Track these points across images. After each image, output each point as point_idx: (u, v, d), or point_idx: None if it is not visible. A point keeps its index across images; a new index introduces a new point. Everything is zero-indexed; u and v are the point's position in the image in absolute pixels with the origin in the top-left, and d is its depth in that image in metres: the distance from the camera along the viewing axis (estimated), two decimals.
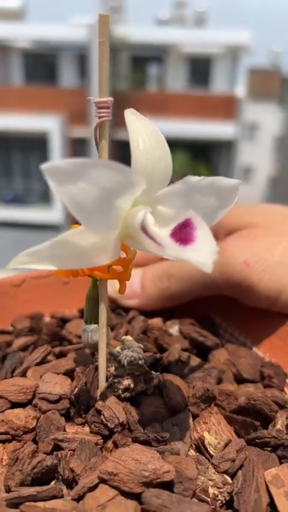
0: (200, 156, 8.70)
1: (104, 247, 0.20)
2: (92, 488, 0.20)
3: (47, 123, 8.12)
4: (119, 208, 0.19)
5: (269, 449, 0.24)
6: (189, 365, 0.30)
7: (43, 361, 0.30)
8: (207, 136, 8.55)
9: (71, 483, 0.22)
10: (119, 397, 0.25)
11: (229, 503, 0.21)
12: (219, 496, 0.21)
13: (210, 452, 0.24)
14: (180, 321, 0.35)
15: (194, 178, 0.21)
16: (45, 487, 0.20)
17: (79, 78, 9.07)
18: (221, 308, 0.36)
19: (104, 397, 0.25)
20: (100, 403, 0.25)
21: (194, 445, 0.24)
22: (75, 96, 8.23)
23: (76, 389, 0.26)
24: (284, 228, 0.34)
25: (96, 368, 0.26)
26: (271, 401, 0.26)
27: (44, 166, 0.17)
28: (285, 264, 0.31)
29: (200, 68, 9.15)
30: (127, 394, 0.26)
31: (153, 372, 0.27)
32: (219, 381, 0.30)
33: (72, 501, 0.20)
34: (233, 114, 8.54)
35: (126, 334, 0.33)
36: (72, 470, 0.22)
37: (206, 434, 0.24)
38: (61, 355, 0.31)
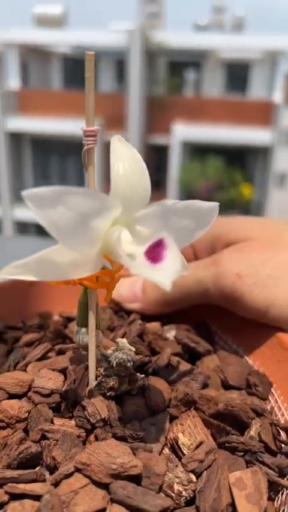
0: (235, 162, 8.62)
1: (83, 262, 0.23)
2: (67, 476, 0.23)
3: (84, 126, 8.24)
4: (95, 229, 0.21)
5: (240, 454, 0.26)
6: (177, 369, 0.32)
7: (43, 357, 0.32)
8: (243, 142, 8.48)
9: (52, 469, 0.24)
10: (104, 395, 0.28)
11: (192, 501, 0.23)
12: (184, 492, 0.23)
13: (184, 451, 0.26)
14: (177, 326, 0.37)
15: (169, 202, 0.23)
16: (26, 471, 0.23)
17: (116, 83, 9.17)
18: (217, 316, 0.37)
19: (91, 394, 0.27)
20: (86, 399, 0.27)
21: (169, 444, 0.26)
22: (113, 101, 8.31)
23: (66, 385, 0.28)
24: (279, 242, 0.35)
25: (87, 367, 0.28)
26: (249, 409, 0.28)
27: (25, 193, 0.19)
28: (276, 278, 0.33)
29: (237, 74, 9.10)
30: (112, 393, 0.28)
31: (138, 374, 0.29)
32: (205, 386, 0.31)
33: (49, 485, 0.23)
34: (270, 120, 8.44)
35: (123, 336, 0.35)
36: (54, 458, 0.24)
37: (180, 435, 0.26)
38: (60, 352, 0.33)
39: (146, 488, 0.23)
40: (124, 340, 0.31)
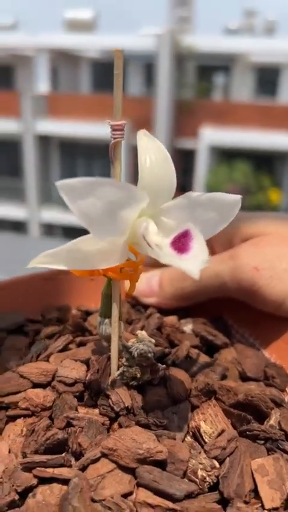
0: (263, 167, 8.54)
1: (111, 251, 0.23)
2: (94, 461, 0.23)
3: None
4: (123, 219, 0.22)
5: (261, 442, 0.26)
6: (196, 361, 0.33)
7: (65, 349, 0.33)
8: (272, 146, 8.39)
9: (78, 455, 0.25)
10: (127, 384, 0.28)
11: (216, 486, 0.24)
12: (207, 478, 0.24)
13: (205, 439, 0.26)
14: (194, 320, 0.38)
15: (194, 194, 0.23)
16: (54, 456, 0.24)
17: (145, 87, 9.21)
18: (234, 310, 0.38)
19: (113, 383, 0.28)
20: (109, 388, 0.28)
21: (191, 433, 0.27)
22: (141, 104, 8.34)
23: (89, 375, 0.29)
24: None
25: (109, 357, 0.29)
26: (268, 399, 0.29)
27: (58, 184, 0.20)
28: None
29: (267, 78, 9.02)
30: (134, 383, 0.29)
31: (159, 364, 0.30)
32: (223, 378, 0.32)
33: (76, 470, 0.23)
34: None
35: (141, 329, 0.35)
36: (79, 445, 0.25)
37: (202, 424, 0.27)
38: (81, 344, 0.34)
39: (170, 473, 0.23)
40: (144, 333, 0.31)
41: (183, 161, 8.99)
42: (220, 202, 0.24)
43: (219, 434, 0.26)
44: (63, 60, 9.38)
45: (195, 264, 0.20)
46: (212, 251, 0.38)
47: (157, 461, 0.23)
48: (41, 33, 8.88)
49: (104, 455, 0.24)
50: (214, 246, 0.39)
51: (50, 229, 8.94)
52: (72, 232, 8.95)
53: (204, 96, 9.12)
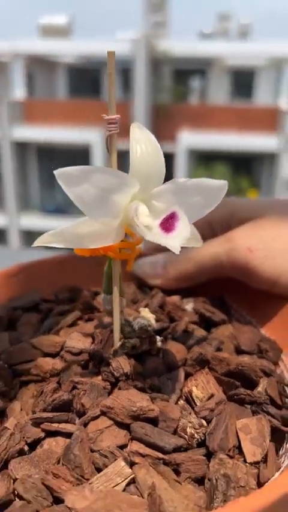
0: (241, 169, 8.66)
1: (106, 232, 0.26)
2: (94, 418, 0.27)
3: (90, 135, 8.30)
4: (115, 203, 0.25)
5: (247, 405, 0.29)
6: (194, 335, 0.35)
7: (73, 324, 0.36)
8: (250, 149, 8.50)
9: (81, 415, 0.28)
10: (127, 354, 0.31)
11: (203, 443, 0.26)
12: (196, 435, 0.27)
13: (196, 403, 0.29)
14: (195, 299, 0.40)
15: (181, 179, 0.26)
16: (59, 413, 0.27)
17: (122, 92, 9.24)
18: (233, 291, 0.41)
19: (115, 353, 0.31)
20: (111, 356, 0.31)
21: (184, 397, 0.30)
22: (118, 109, 8.31)
23: (93, 345, 0.32)
24: None
25: (112, 330, 0.32)
26: (258, 369, 0.31)
27: (56, 172, 0.23)
28: (284, 251, 0.36)
29: (243, 81, 9.13)
30: (134, 352, 0.31)
31: (157, 336, 0.33)
32: (218, 350, 0.34)
33: (79, 426, 0.26)
34: (277, 126, 8.46)
35: (145, 306, 0.38)
36: (82, 405, 0.28)
37: (194, 389, 0.29)
38: (89, 320, 0.37)
39: (162, 430, 0.26)
40: (146, 309, 0.35)
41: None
42: (205, 187, 0.26)
43: (209, 398, 0.29)
44: (38, 66, 9.37)
45: (176, 240, 0.23)
46: (213, 234, 0.41)
47: (149, 418, 0.26)
48: (16, 39, 8.85)
49: (103, 413, 0.27)
50: (214, 228, 0.41)
51: (30, 236, 8.89)
52: None
53: (181, 100, 9.20)
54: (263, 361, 0.33)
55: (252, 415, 0.28)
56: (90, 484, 0.23)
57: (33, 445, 0.26)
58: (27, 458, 0.25)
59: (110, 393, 0.29)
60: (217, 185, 0.27)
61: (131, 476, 0.23)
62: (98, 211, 0.25)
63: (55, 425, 0.26)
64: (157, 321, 0.35)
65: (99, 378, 0.30)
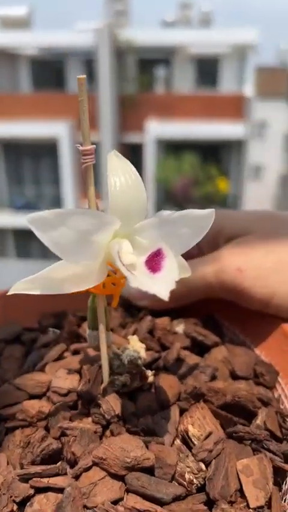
0: (210, 157, 8.69)
1: (87, 275, 0.24)
2: (87, 469, 0.25)
3: (56, 129, 8.21)
4: (95, 244, 0.23)
5: (247, 442, 0.27)
6: (186, 363, 0.34)
7: (60, 358, 0.34)
8: (217, 136, 8.55)
9: (73, 464, 0.26)
10: (117, 392, 0.29)
11: (203, 487, 0.25)
12: (195, 480, 0.25)
13: (194, 442, 0.27)
14: (186, 320, 0.39)
15: (166, 213, 0.24)
16: (49, 466, 0.25)
17: (87, 83, 9.15)
18: (224, 309, 0.39)
19: (105, 392, 0.29)
20: (101, 397, 0.29)
21: (180, 436, 0.28)
22: None
23: (81, 385, 0.30)
24: (279, 236, 0.36)
25: (100, 366, 0.30)
26: (255, 399, 0.30)
27: (28, 218, 0.21)
28: (276, 270, 0.34)
29: (207, 69, 9.15)
30: (125, 390, 0.30)
31: (148, 371, 0.31)
32: (213, 378, 0.33)
33: (71, 478, 0.25)
34: (242, 113, 8.53)
35: (134, 333, 0.36)
36: (73, 454, 0.26)
37: (190, 427, 0.28)
38: (76, 352, 0.35)
39: (159, 478, 0.25)
40: (135, 338, 0.33)
41: (131, 155, 9.04)
42: (192, 218, 0.25)
43: (207, 437, 0.27)
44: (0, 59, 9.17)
45: (163, 286, 0.22)
46: (200, 251, 0.39)
47: (145, 467, 0.25)
48: None
49: (95, 463, 0.25)
50: (201, 245, 0.39)
51: (1, 234, 8.77)
52: (24, 235, 8.81)
53: (146, 89, 9.14)
54: (259, 388, 0.32)
55: (253, 453, 0.27)
56: None
57: (22, 503, 0.24)
58: None
59: (101, 437, 0.28)
60: (204, 214, 0.25)
61: None
62: (77, 255, 0.23)
63: (45, 480, 0.25)
64: (147, 349, 0.34)
65: (90, 420, 0.29)
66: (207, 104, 8.49)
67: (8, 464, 0.27)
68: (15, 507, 0.24)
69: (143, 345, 0.32)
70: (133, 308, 0.41)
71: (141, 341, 0.33)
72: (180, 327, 0.38)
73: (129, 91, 8.74)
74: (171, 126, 8.16)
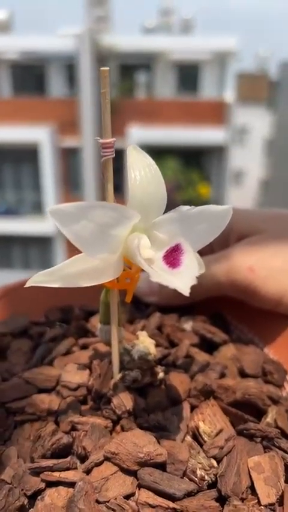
0: (191, 162, 8.76)
1: (105, 269, 0.24)
2: (98, 464, 0.25)
3: (37, 134, 8.19)
4: (115, 237, 0.23)
5: (258, 440, 0.27)
6: (196, 360, 0.34)
7: (68, 352, 0.34)
8: (198, 142, 8.62)
9: (83, 458, 0.26)
10: (128, 387, 0.29)
11: (215, 483, 0.25)
12: (206, 477, 0.25)
13: (204, 439, 0.27)
14: (194, 317, 0.38)
15: (185, 208, 0.24)
16: (60, 460, 0.25)
17: (68, 88, 9.13)
18: (232, 306, 0.39)
19: (115, 387, 0.29)
20: (111, 392, 0.29)
21: (191, 432, 0.28)
22: (65, 106, 8.27)
23: (92, 380, 0.30)
24: None
25: (111, 361, 0.30)
26: (265, 396, 0.30)
27: (50, 210, 0.21)
28: (287, 270, 0.34)
29: (188, 75, 9.22)
30: (135, 385, 0.30)
31: (159, 367, 0.31)
32: (222, 375, 0.33)
33: (82, 473, 0.25)
34: (223, 119, 8.62)
35: (142, 329, 0.36)
36: (84, 448, 0.26)
37: (201, 424, 0.28)
38: (84, 347, 0.35)
39: (171, 474, 0.25)
40: (144, 333, 0.33)
41: (113, 161, 9.00)
42: (210, 213, 0.25)
43: (218, 434, 0.27)
44: None
45: (185, 281, 0.22)
46: (210, 248, 0.39)
47: (157, 463, 0.25)
48: None
49: (107, 458, 0.25)
50: (212, 243, 0.39)
51: None
52: (5, 241, 8.73)
53: (128, 95, 9.17)
54: (269, 386, 0.32)
55: (264, 451, 0.27)
56: None
57: (33, 496, 0.24)
58: None
59: (112, 432, 0.28)
60: (221, 211, 0.25)
61: None
62: (96, 248, 0.23)
63: (56, 474, 0.24)
64: (157, 346, 0.33)
65: (100, 415, 0.28)
66: (188, 109, 8.56)
67: (18, 457, 0.26)
68: (26, 501, 0.24)
69: (153, 341, 0.32)
70: (141, 304, 0.41)
71: (150, 337, 0.33)
72: (188, 324, 0.38)
73: (111, 96, 8.74)
74: (153, 131, 8.19)
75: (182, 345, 0.34)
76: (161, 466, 0.25)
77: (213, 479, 0.25)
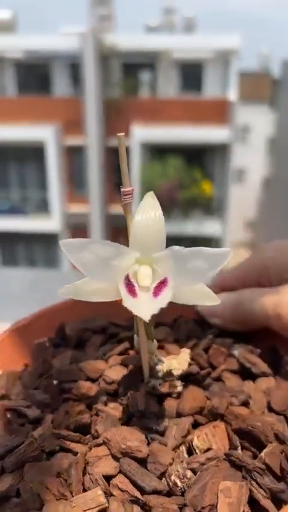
0: (194, 161, 8.79)
1: (108, 290, 0.30)
2: (98, 445, 0.31)
3: (42, 132, 8.18)
4: (114, 267, 0.28)
5: (240, 468, 0.29)
6: (223, 384, 0.36)
7: (122, 353, 0.40)
8: (201, 140, 8.64)
9: (94, 438, 0.32)
10: (148, 392, 0.34)
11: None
12: (179, 483, 0.28)
13: (197, 453, 0.30)
14: (244, 345, 0.40)
15: (176, 248, 0.28)
16: (75, 434, 0.32)
17: (72, 87, 9.13)
18: (285, 341, 0.39)
19: (138, 389, 0.34)
20: (132, 393, 0.34)
21: (187, 444, 0.31)
22: (69, 105, 8.32)
23: (122, 378, 0.36)
24: None
25: (141, 367, 0.35)
26: (271, 433, 0.30)
27: (61, 242, 0.27)
28: None
29: (191, 73, 9.27)
30: (154, 392, 0.34)
31: (178, 381, 0.35)
32: (244, 404, 0.34)
33: (87, 448, 0.31)
34: (226, 117, 8.65)
35: (192, 347, 0.40)
36: (96, 431, 0.32)
37: (195, 439, 0.31)
38: (138, 352, 0.39)
39: (149, 471, 0.29)
40: (187, 351, 0.37)
41: (116, 159, 8.99)
42: (204, 253, 0.28)
43: (206, 451, 0.30)
44: None
45: (144, 310, 0.26)
46: (269, 281, 0.41)
47: (137, 457, 0.29)
48: None
49: (104, 443, 0.31)
50: (271, 279, 0.41)
51: None
52: (10, 238, 8.76)
53: (131, 94, 9.20)
54: (285, 425, 0.32)
55: (242, 480, 0.28)
56: (70, 501, 0.27)
57: (49, 454, 0.31)
58: (40, 465, 0.30)
59: (124, 424, 0.33)
60: (215, 253, 0.28)
61: (103, 506, 0.27)
62: (97, 275, 0.29)
63: (68, 443, 0.31)
64: (196, 364, 0.37)
65: (118, 409, 0.34)
66: (191, 108, 8.61)
67: (52, 423, 0.34)
68: (43, 455, 0.31)
69: (189, 359, 0.36)
70: (205, 324, 0.44)
71: (193, 356, 0.37)
72: (237, 351, 0.40)
73: (114, 95, 8.78)
74: (156, 130, 8.26)
75: (218, 369, 0.37)
76: (142, 462, 0.29)
77: (186, 488, 0.28)
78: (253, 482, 0.27)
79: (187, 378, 0.36)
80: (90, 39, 8.49)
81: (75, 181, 9.02)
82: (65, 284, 0.30)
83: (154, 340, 0.35)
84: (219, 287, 0.44)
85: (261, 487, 0.27)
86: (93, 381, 0.37)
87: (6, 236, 8.87)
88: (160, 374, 0.35)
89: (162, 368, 0.35)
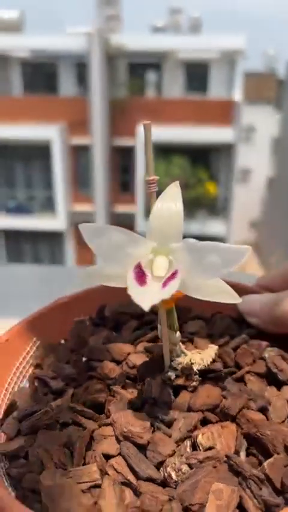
0: (199, 161, 8.79)
1: (121, 277, 0.29)
2: (106, 425, 0.32)
3: (48, 132, 8.09)
4: (128, 254, 0.29)
5: (237, 474, 0.28)
6: (244, 386, 0.35)
7: (151, 340, 0.41)
8: (206, 140, 8.64)
9: (107, 417, 0.33)
10: (164, 382, 0.34)
11: None
12: (174, 477, 0.28)
13: (200, 450, 0.30)
14: (276, 350, 0.38)
15: (191, 240, 0.28)
16: (88, 411, 0.33)
17: (78, 87, 9.11)
18: None
19: (156, 378, 0.34)
20: (149, 380, 0.34)
21: (192, 439, 0.31)
22: (75, 105, 8.31)
23: (142, 365, 0.37)
24: None
25: (162, 356, 0.35)
26: (279, 443, 0.29)
27: (80, 226, 0.28)
28: None
29: (197, 74, 9.28)
30: (171, 383, 0.34)
31: (196, 376, 0.35)
32: (263, 410, 0.33)
33: (96, 425, 0.32)
34: (231, 118, 8.64)
35: (222, 345, 0.39)
36: (108, 411, 0.33)
37: (200, 435, 0.30)
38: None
39: (147, 459, 0.29)
40: (214, 348, 0.37)
41: (122, 159, 9.00)
42: (220, 249, 0.27)
43: (207, 450, 0.30)
44: None
45: (148, 298, 0.26)
46: None
47: (137, 443, 0.30)
48: None
49: (110, 424, 0.32)
50: None
51: None
52: (16, 237, 8.79)
53: (137, 93, 9.20)
54: None
55: (237, 485, 0.27)
56: (68, 472, 0.28)
57: (64, 425, 0.33)
58: (51, 433, 0.32)
59: (137, 409, 0.33)
60: (235, 249, 0.27)
61: (96, 482, 0.28)
62: (112, 260, 0.29)
63: (81, 418, 0.33)
64: (222, 362, 0.37)
65: (134, 394, 0.35)
66: (197, 108, 8.63)
67: (72, 396, 0.36)
68: (56, 425, 0.33)
69: (213, 356, 0.36)
70: (244, 323, 0.43)
71: (220, 353, 0.37)
72: (268, 354, 0.38)
73: (120, 95, 8.79)
74: (162, 130, 8.22)
75: (243, 369, 0.36)
76: (142, 448, 0.30)
77: (180, 482, 0.28)
78: (247, 490, 0.27)
79: (207, 374, 0.35)
80: (97, 39, 8.48)
81: (80, 181, 9.03)
82: (71, 279, 0.31)
83: (177, 331, 0.35)
84: (265, 287, 0.43)
85: (255, 497, 0.26)
86: (117, 362, 0.38)
87: (13, 234, 8.91)
88: (179, 366, 0.35)
89: (182, 360, 0.35)
